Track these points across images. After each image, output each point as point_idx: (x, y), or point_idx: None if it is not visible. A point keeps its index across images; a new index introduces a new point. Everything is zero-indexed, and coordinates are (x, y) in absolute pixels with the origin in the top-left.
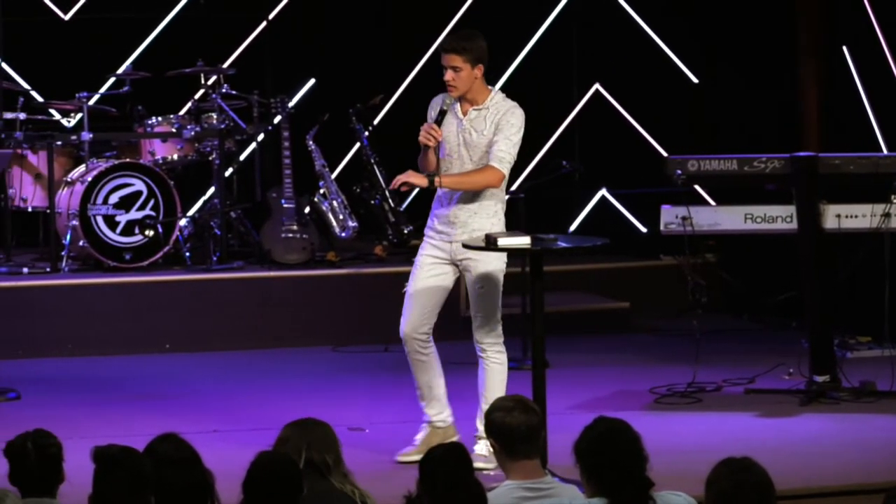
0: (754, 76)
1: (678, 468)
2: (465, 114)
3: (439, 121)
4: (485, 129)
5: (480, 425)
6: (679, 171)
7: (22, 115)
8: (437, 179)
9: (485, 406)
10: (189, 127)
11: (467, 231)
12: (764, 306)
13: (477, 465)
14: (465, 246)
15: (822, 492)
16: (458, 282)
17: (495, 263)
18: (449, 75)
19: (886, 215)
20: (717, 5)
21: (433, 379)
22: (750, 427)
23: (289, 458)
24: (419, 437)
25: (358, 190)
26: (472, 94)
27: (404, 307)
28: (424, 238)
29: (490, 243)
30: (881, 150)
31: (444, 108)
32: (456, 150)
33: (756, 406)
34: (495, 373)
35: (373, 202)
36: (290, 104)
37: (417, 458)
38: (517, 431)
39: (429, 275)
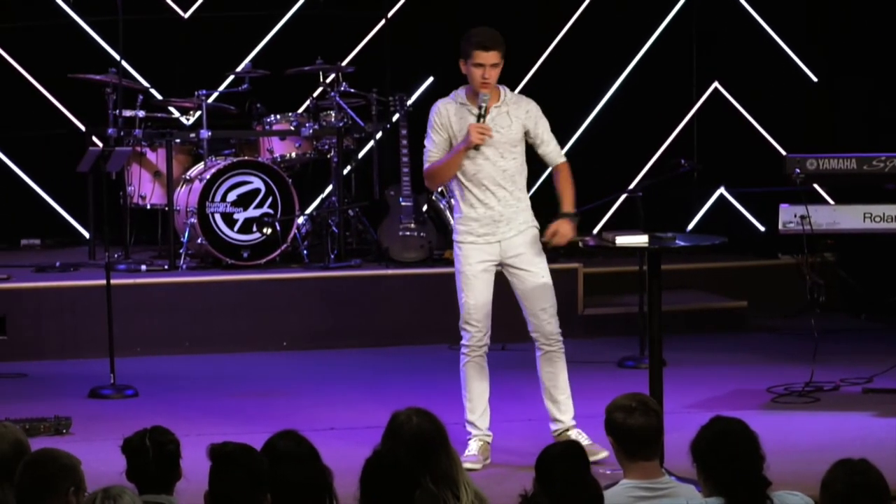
0: (875, 74)
1: (795, 468)
2: (486, 112)
3: (483, 118)
4: (511, 125)
5: (565, 417)
6: (798, 170)
7: (141, 113)
8: (572, 216)
9: (561, 396)
10: (307, 125)
11: (514, 227)
12: (882, 306)
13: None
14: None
15: None
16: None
17: (542, 252)
18: (487, 72)
19: None
20: (837, 3)
21: (487, 387)
22: (867, 427)
23: (405, 454)
24: (477, 448)
25: None
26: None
27: (472, 317)
28: (461, 245)
29: (608, 242)
30: None
31: (483, 104)
32: (483, 152)
33: (874, 406)
34: (565, 362)
35: None
36: (409, 102)
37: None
38: (637, 433)
39: (487, 282)
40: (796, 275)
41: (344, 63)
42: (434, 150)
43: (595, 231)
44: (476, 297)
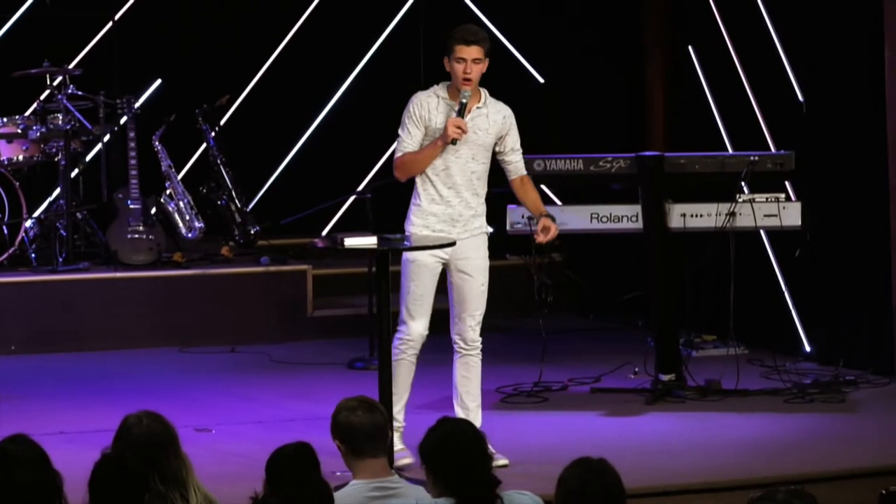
0: (601, 75)
1: (524, 468)
2: (468, 111)
3: (462, 114)
4: (488, 129)
5: (474, 422)
6: None
7: None
8: (544, 216)
9: (472, 403)
10: (35, 128)
11: (469, 230)
12: (610, 305)
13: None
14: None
15: (666, 490)
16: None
17: (487, 262)
18: (469, 67)
19: (731, 214)
20: (564, 4)
21: (411, 382)
22: (596, 426)
23: (134, 457)
24: (401, 443)
25: (204, 190)
26: (474, 91)
27: (415, 307)
28: (416, 236)
29: (336, 244)
30: (726, 150)
31: (465, 100)
32: (456, 148)
33: (602, 405)
34: (478, 372)
35: (219, 203)
36: (137, 105)
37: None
38: (362, 430)
39: (434, 274)
40: (524, 275)
41: (71, 65)
42: (408, 141)
43: (324, 232)
44: (423, 287)
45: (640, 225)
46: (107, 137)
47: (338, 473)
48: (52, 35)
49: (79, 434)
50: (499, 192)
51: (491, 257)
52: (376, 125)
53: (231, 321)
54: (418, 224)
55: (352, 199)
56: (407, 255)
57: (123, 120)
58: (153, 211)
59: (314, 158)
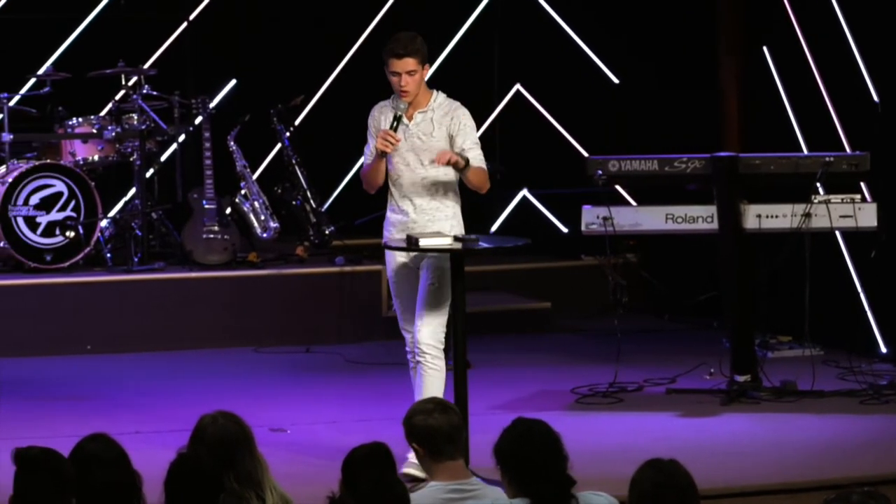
0: (675, 76)
1: (600, 468)
2: (410, 118)
3: (395, 127)
4: (433, 132)
5: None
6: (600, 172)
7: None
8: (463, 155)
9: None
10: (110, 128)
11: (425, 235)
12: (685, 306)
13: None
14: (388, 247)
15: (742, 491)
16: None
17: (447, 264)
18: (403, 80)
19: (806, 215)
20: (638, 5)
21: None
22: (671, 427)
23: (209, 457)
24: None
25: (279, 191)
26: (418, 98)
27: (404, 320)
28: (386, 250)
29: (411, 243)
30: (801, 151)
31: (399, 113)
32: (403, 157)
33: (677, 406)
34: (435, 379)
35: (294, 203)
36: (212, 105)
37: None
38: (440, 432)
39: (410, 284)
40: (599, 276)
41: (146, 66)
42: (366, 153)
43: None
44: (403, 302)
45: (715, 226)
46: (182, 137)
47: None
48: (127, 35)
49: (154, 434)
50: (573, 192)
51: (566, 257)
52: None
53: (305, 321)
54: (386, 235)
55: None
56: (387, 271)
57: (198, 120)
58: (228, 211)
59: None
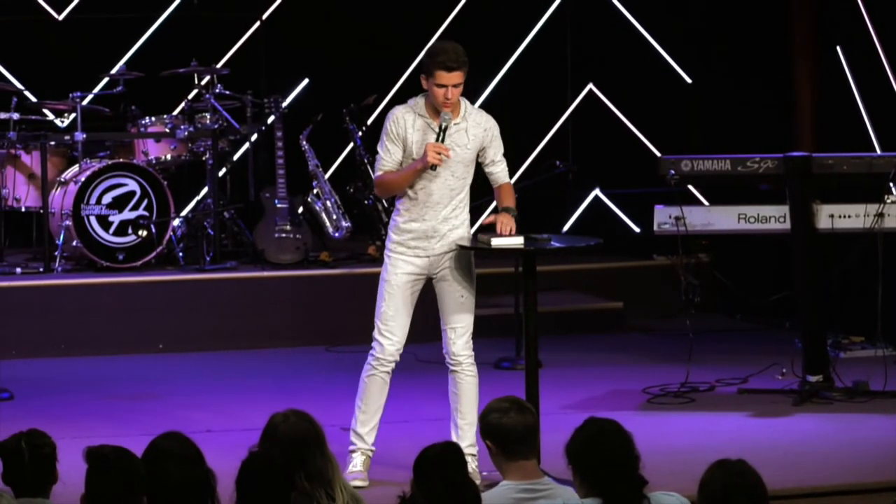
0: (748, 75)
1: (671, 468)
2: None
3: (442, 139)
4: (467, 144)
5: (462, 444)
6: (672, 171)
7: (15, 115)
8: (511, 211)
9: (461, 421)
10: (182, 127)
11: (446, 244)
12: (757, 306)
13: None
14: (462, 247)
15: (814, 492)
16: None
17: (471, 273)
18: (450, 92)
19: (880, 215)
20: (711, 4)
21: (384, 403)
22: (743, 427)
23: (280, 455)
24: (361, 463)
25: (351, 190)
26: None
27: (387, 327)
28: (391, 255)
29: (484, 244)
30: (874, 150)
31: (445, 124)
32: (436, 170)
33: (749, 406)
34: (473, 386)
35: (366, 202)
36: (284, 104)
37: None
38: (514, 432)
39: (410, 295)
40: (671, 275)
41: (219, 65)
42: (388, 158)
43: (471, 233)
44: (395, 307)
45: (787, 225)
46: (254, 137)
47: (485, 473)
48: (199, 35)
49: (225, 432)
50: (645, 192)
51: (638, 257)
52: (522, 125)
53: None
54: (395, 240)
55: None
56: (382, 274)
57: (271, 119)
58: (300, 210)
59: None
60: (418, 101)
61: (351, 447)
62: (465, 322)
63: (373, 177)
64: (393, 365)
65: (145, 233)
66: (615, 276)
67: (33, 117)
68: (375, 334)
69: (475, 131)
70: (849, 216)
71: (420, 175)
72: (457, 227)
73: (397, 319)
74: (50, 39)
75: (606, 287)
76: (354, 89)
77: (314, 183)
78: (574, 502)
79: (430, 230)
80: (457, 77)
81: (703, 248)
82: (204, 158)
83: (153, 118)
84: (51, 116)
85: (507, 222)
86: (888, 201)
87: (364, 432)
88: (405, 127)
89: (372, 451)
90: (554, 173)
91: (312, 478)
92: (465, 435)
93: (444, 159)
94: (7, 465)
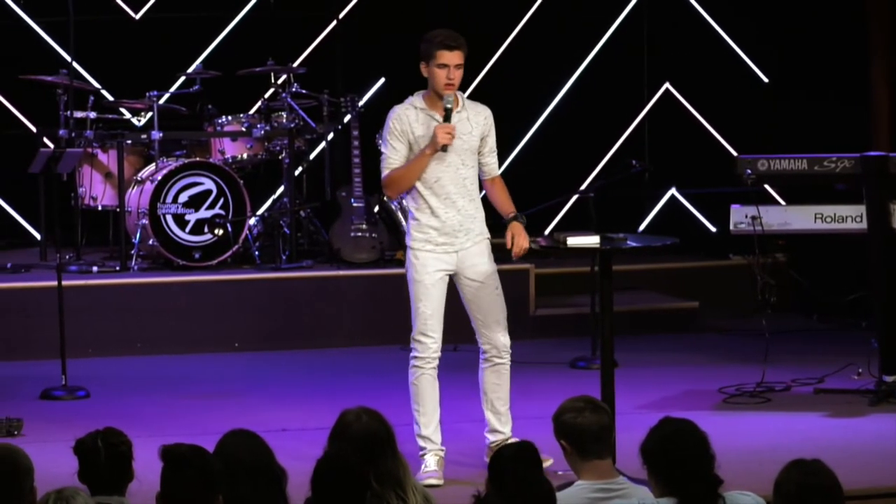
0: (825, 75)
1: (747, 468)
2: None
3: (449, 119)
4: (472, 131)
5: (506, 429)
6: (749, 171)
7: (92, 114)
8: (519, 218)
9: (503, 408)
10: (259, 126)
11: (471, 238)
12: (833, 306)
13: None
14: (534, 251)
15: (890, 492)
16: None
17: (494, 265)
18: (452, 73)
19: None
20: (788, 4)
21: (438, 400)
22: (819, 427)
23: (353, 454)
24: (435, 463)
25: None
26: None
27: (427, 326)
28: (418, 253)
29: (559, 243)
30: None
31: (449, 105)
32: (443, 158)
33: (825, 406)
34: (508, 376)
35: None
36: (360, 103)
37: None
38: (589, 431)
39: (442, 291)
40: (747, 275)
41: (295, 64)
42: (394, 156)
43: (547, 232)
44: (433, 306)
45: (864, 225)
46: (330, 136)
47: (560, 473)
48: (276, 34)
49: (300, 431)
50: (721, 191)
51: (714, 257)
52: (599, 124)
53: (453, 320)
54: (420, 239)
55: (574, 198)
56: (412, 274)
57: (347, 118)
58: (376, 209)
59: (536, 157)
60: (414, 98)
61: (421, 451)
62: (504, 313)
63: (381, 177)
64: (437, 362)
65: (221, 231)
66: (691, 276)
67: (110, 116)
68: (415, 335)
69: (477, 119)
70: None
71: (428, 162)
72: (477, 219)
73: (436, 317)
74: (127, 39)
75: (682, 287)
76: None
77: None
78: (649, 502)
79: (456, 224)
80: (458, 57)
81: (779, 247)
82: (280, 157)
83: (229, 117)
84: (127, 115)
85: (521, 241)
86: None
87: (429, 433)
88: (408, 123)
89: (442, 450)
90: (630, 172)
91: (383, 479)
92: (509, 419)
93: (452, 143)
94: (83, 463)
